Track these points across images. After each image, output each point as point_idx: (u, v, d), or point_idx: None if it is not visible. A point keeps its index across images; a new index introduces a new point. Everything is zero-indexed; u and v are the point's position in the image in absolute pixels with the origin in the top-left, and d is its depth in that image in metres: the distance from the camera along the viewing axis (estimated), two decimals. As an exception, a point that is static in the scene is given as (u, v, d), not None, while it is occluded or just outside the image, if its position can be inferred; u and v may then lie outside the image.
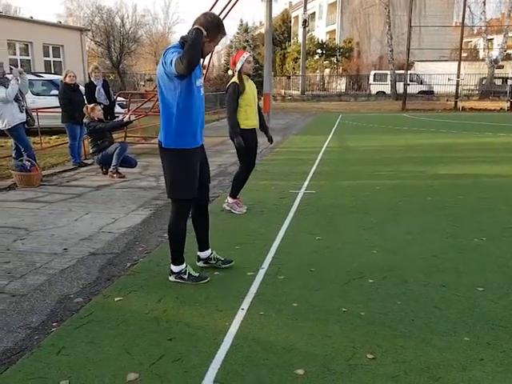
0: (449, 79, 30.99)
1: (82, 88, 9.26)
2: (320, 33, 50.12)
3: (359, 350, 2.78)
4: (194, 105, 3.47)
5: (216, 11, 8.43)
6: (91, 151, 8.06)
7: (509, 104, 26.59)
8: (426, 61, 38.23)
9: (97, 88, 9.07)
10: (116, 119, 9.06)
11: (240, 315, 3.20)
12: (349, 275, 3.87)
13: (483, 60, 36.79)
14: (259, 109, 5.85)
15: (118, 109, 11.97)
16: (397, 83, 35.32)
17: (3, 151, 10.10)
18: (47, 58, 22.86)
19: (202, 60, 3.66)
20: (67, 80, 8.73)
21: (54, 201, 6.38)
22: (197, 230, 3.98)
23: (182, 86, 3.35)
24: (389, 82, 37.24)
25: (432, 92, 36.39)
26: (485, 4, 34.19)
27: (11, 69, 7.53)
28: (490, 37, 37.58)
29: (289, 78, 45.67)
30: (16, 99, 7.27)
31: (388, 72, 37.38)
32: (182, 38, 3.42)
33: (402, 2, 35.36)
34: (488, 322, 3.10)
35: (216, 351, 2.77)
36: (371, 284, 3.70)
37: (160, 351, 2.77)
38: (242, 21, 40.09)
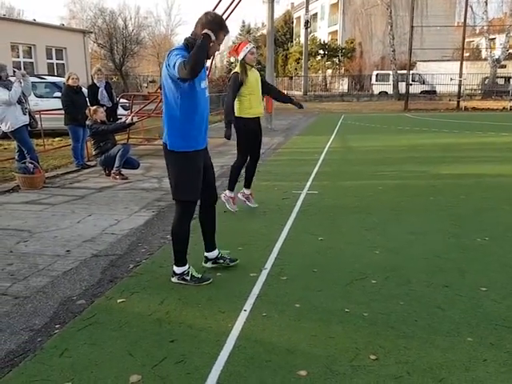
0: (451, 79, 30.92)
1: (84, 90, 9.28)
2: (322, 33, 50.11)
3: (362, 350, 2.78)
4: (197, 107, 3.47)
5: (218, 12, 8.43)
6: (94, 153, 8.08)
7: (511, 103, 26.50)
8: (428, 61, 38.17)
9: (99, 90, 9.10)
10: (119, 121, 9.08)
11: (242, 316, 3.20)
12: (351, 276, 3.87)
13: (485, 59, 36.72)
14: (275, 89, 5.90)
15: (120, 111, 12.00)
16: (399, 83, 35.25)
17: (6, 153, 10.13)
18: (50, 61, 22.94)
19: (209, 58, 3.66)
20: (70, 82, 8.74)
21: (57, 203, 6.39)
22: (204, 230, 3.98)
23: (185, 88, 3.36)
24: (391, 82, 37.21)
25: (434, 92, 36.32)
26: (486, 4, 34.12)
27: (14, 71, 7.56)
28: (492, 36, 37.47)
29: (291, 78, 45.68)
30: (19, 101, 7.29)
31: (390, 72, 37.34)
32: (186, 39, 3.42)
33: (403, 2, 35.34)
34: (491, 322, 3.09)
35: (218, 353, 2.77)
36: (374, 284, 3.70)
37: (162, 353, 2.77)
38: (244, 22, 40.21)
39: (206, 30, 3.26)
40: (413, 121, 20.05)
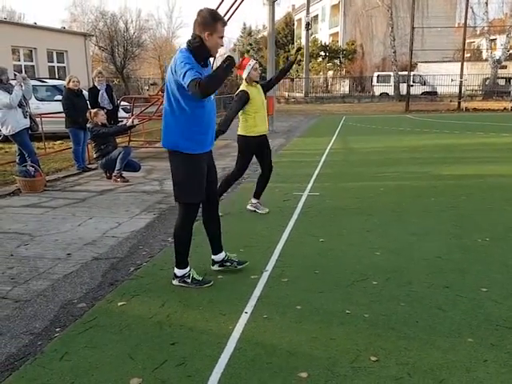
0: (452, 80, 30.94)
1: (85, 93, 9.29)
2: (323, 35, 50.14)
3: (363, 352, 2.77)
4: (204, 110, 3.47)
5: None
6: (95, 156, 8.09)
7: (512, 104, 26.50)
8: (429, 62, 38.16)
9: (100, 92, 9.11)
10: (119, 124, 9.09)
11: (243, 318, 3.20)
12: (352, 277, 3.86)
13: (486, 60, 36.70)
14: (273, 78, 6.01)
15: (122, 113, 12.03)
16: (400, 84, 35.25)
17: (7, 157, 10.16)
18: (51, 64, 22.98)
19: (212, 60, 3.66)
20: (71, 85, 8.75)
21: (58, 206, 6.40)
22: (208, 231, 3.96)
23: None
24: (392, 83, 37.18)
25: (435, 93, 36.29)
26: (487, 4, 34.14)
27: (15, 75, 7.57)
28: (492, 37, 37.50)
29: (292, 80, 45.67)
30: (20, 105, 7.30)
31: (391, 73, 37.33)
32: (189, 42, 3.39)
33: (404, 4, 35.32)
34: (492, 322, 3.09)
35: (219, 355, 2.77)
36: (375, 286, 3.69)
37: (163, 356, 2.77)
38: (245, 24, 40.24)
39: (229, 53, 3.30)
40: (414, 122, 20.04)
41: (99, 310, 3.36)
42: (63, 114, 8.95)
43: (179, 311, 3.33)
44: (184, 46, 3.44)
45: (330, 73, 46.85)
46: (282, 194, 6.92)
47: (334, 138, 14.47)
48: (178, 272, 3.73)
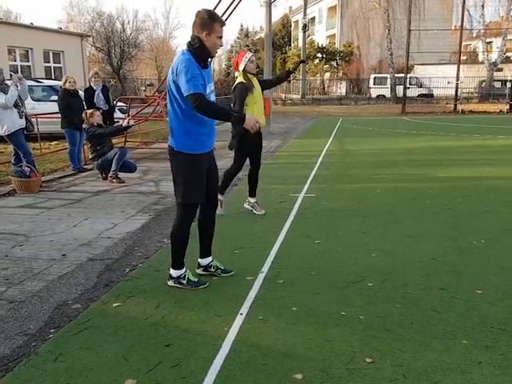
0: (448, 82, 31.00)
1: (81, 93, 9.28)
2: (320, 37, 50.21)
3: (358, 353, 2.77)
4: None
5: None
6: (91, 156, 8.08)
7: (508, 106, 26.56)
8: (426, 64, 38.22)
9: (96, 93, 9.10)
10: (115, 124, 9.07)
11: (239, 320, 3.19)
12: (348, 279, 3.86)
13: (482, 63, 36.80)
14: (272, 78, 6.08)
15: (118, 114, 12.00)
16: (397, 86, 35.34)
17: (2, 157, 10.10)
18: (47, 64, 22.92)
19: (211, 60, 3.67)
20: (67, 86, 8.74)
21: (53, 206, 6.38)
22: (201, 234, 3.93)
23: None
24: (389, 85, 37.26)
25: (432, 95, 36.37)
26: (483, 7, 34.27)
27: (11, 75, 7.54)
28: (489, 40, 37.61)
29: (289, 81, 45.67)
30: (15, 105, 7.28)
31: (388, 75, 37.40)
32: (189, 44, 3.41)
33: (401, 6, 35.39)
34: (487, 324, 3.09)
35: (214, 356, 2.76)
36: (370, 287, 3.69)
37: (158, 357, 2.76)
38: (242, 25, 40.27)
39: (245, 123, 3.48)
40: (410, 124, 20.08)
41: (94, 311, 3.35)
42: (59, 115, 8.93)
43: (174, 312, 3.32)
44: (181, 47, 3.46)
45: (327, 74, 46.92)
46: (279, 195, 6.92)
47: (331, 139, 14.49)
48: (174, 273, 3.72)
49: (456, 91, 27.91)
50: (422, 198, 6.64)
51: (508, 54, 37.76)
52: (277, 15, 55.12)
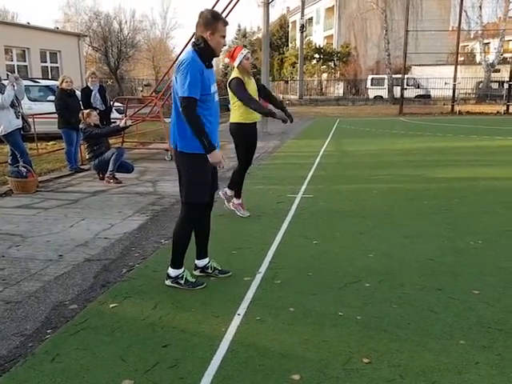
0: (446, 83, 31.08)
1: (78, 93, 9.26)
2: (317, 37, 50.28)
3: (355, 354, 2.77)
4: (210, 110, 3.50)
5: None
6: (88, 157, 8.06)
7: (505, 107, 26.63)
8: (423, 65, 38.32)
9: (92, 93, 9.08)
10: (112, 124, 9.05)
11: (236, 320, 3.19)
12: (345, 279, 3.86)
13: (480, 64, 36.88)
14: (270, 94, 6.06)
15: (115, 114, 11.98)
16: (394, 87, 35.40)
17: None
18: (44, 64, 22.88)
19: (214, 59, 3.69)
20: (64, 86, 8.72)
21: (50, 207, 6.36)
22: (197, 235, 3.91)
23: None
24: (386, 86, 37.32)
25: (429, 96, 36.43)
26: (481, 8, 34.33)
27: (7, 75, 7.53)
28: (486, 41, 37.69)
29: (287, 82, 45.77)
30: (12, 105, 7.26)
31: (385, 76, 37.43)
32: (194, 44, 3.45)
33: (398, 7, 35.47)
34: (484, 325, 3.10)
35: (212, 357, 2.76)
36: (367, 288, 3.69)
37: (155, 358, 2.76)
38: (239, 26, 40.24)
39: (211, 156, 3.47)
40: (407, 125, 20.11)
41: (91, 312, 3.34)
42: (56, 115, 8.91)
43: (171, 313, 3.31)
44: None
45: (325, 75, 47.01)
46: (276, 195, 6.92)
47: (328, 140, 14.50)
48: (172, 272, 3.72)
49: (453, 92, 28.00)
50: (419, 199, 6.65)
51: (505, 55, 37.83)
52: (274, 16, 55.21)
